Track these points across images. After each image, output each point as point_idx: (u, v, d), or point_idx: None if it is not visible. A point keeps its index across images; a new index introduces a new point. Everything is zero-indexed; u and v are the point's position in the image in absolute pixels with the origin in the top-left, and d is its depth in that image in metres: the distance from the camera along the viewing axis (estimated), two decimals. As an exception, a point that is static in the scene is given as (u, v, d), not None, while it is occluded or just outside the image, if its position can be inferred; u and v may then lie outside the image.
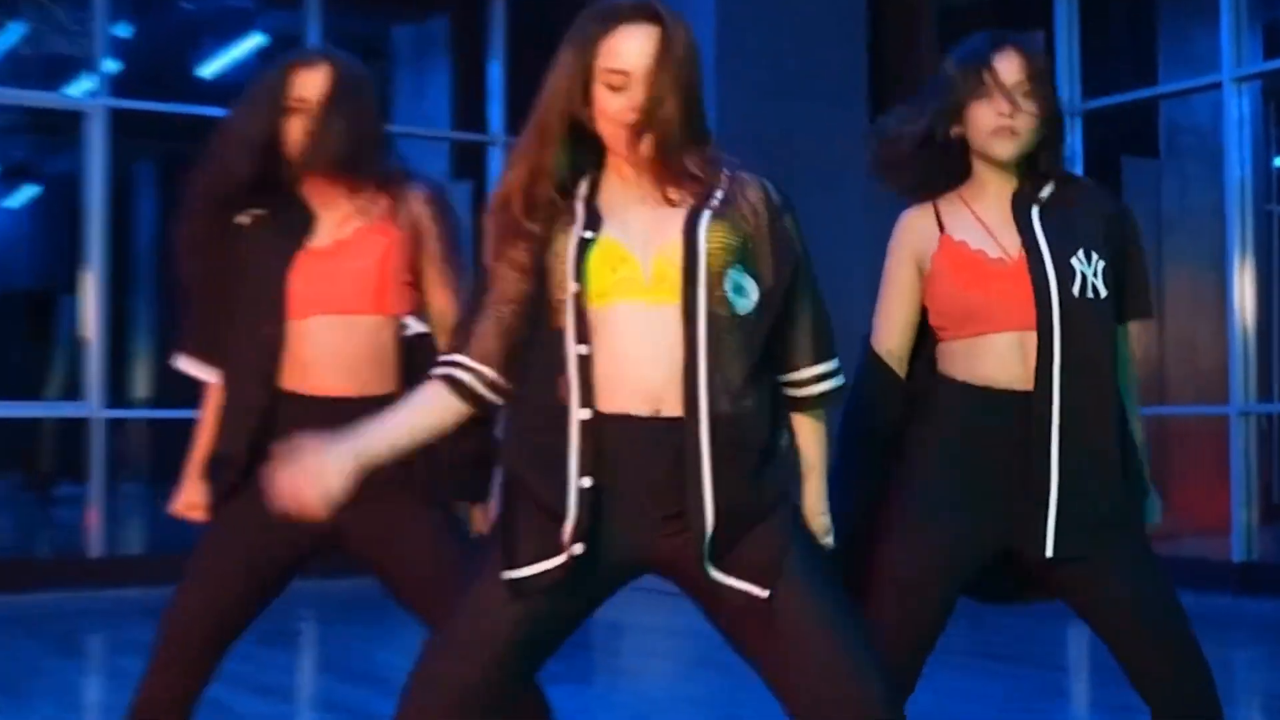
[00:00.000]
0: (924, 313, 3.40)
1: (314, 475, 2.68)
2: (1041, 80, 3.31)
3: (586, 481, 2.60)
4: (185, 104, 11.60)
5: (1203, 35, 10.52)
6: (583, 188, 2.76)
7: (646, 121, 2.67)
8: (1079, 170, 10.57)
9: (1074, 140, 10.59)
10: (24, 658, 7.53)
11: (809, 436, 2.83)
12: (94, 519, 10.14)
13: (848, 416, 3.44)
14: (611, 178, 2.77)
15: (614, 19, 2.72)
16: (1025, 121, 3.29)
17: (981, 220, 3.35)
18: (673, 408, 2.61)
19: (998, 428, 3.28)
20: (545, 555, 2.63)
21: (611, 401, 2.63)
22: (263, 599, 3.43)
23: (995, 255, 3.30)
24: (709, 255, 2.63)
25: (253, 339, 3.33)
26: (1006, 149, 3.30)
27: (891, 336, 3.40)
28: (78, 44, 10.20)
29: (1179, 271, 11.72)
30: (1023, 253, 3.29)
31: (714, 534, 2.59)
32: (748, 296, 2.66)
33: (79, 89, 10.57)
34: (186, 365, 3.48)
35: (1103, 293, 3.26)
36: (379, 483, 3.28)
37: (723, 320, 2.62)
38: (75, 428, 10.78)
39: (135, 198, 18.88)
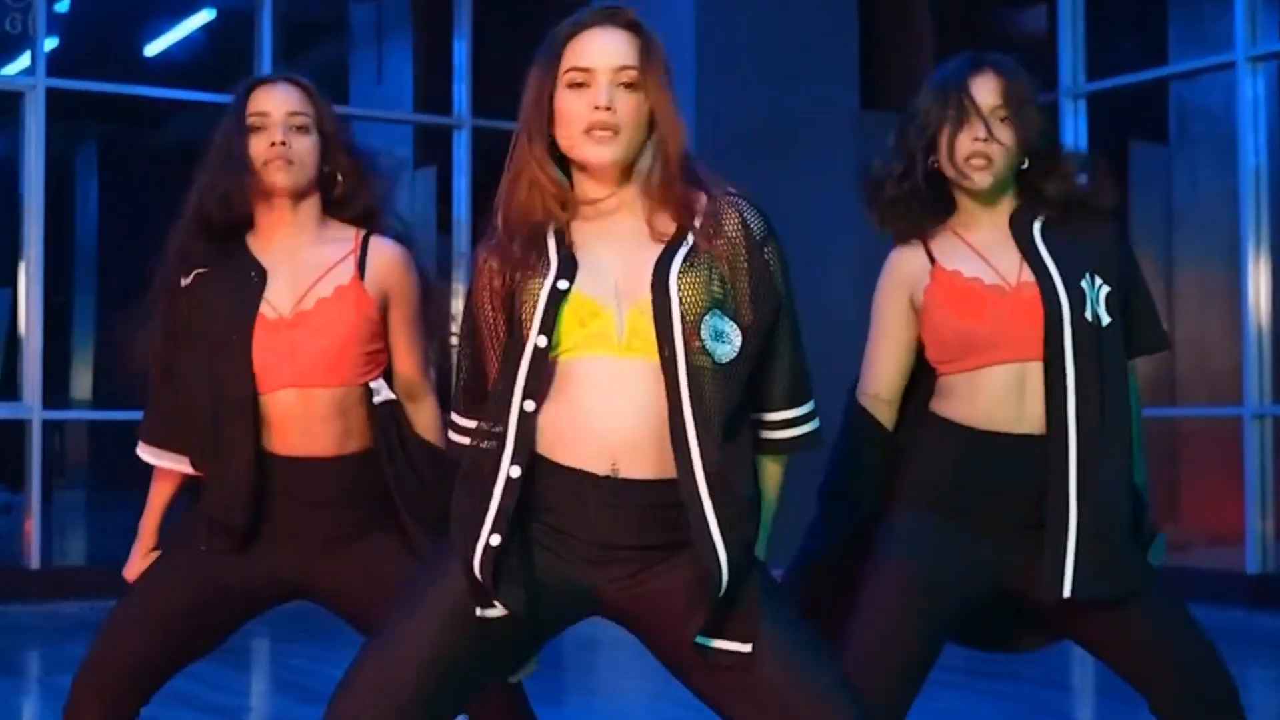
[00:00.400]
0: (919, 352, 3.42)
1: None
2: (1021, 105, 3.32)
3: (495, 539, 2.65)
4: (129, 84, 11.59)
5: (1215, 12, 10.55)
6: (553, 226, 2.79)
7: (613, 125, 2.72)
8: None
9: (1078, 125, 10.62)
10: (-45, 677, 7.51)
11: (767, 480, 2.85)
12: (31, 528, 10.11)
13: (831, 471, 3.48)
14: (584, 212, 2.80)
15: (581, 24, 2.77)
16: (1000, 149, 3.30)
17: (975, 248, 3.36)
18: (632, 468, 2.67)
19: (994, 471, 3.30)
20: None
21: (568, 455, 2.68)
22: (209, 637, 3.48)
23: (992, 282, 3.32)
24: (683, 306, 2.66)
25: (227, 405, 3.36)
26: (981, 178, 3.31)
27: (880, 380, 3.42)
28: (13, 19, 10.16)
29: (1189, 265, 11.75)
30: (1022, 279, 3.31)
31: (723, 597, 2.64)
32: (729, 343, 2.68)
33: (15, 68, 10.54)
34: (148, 456, 3.51)
35: (1104, 319, 3.27)
36: (348, 533, 3.40)
37: (705, 373, 2.65)
38: (11, 430, 10.76)
39: (76, 184, 18.82)
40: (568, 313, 2.69)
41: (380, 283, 3.42)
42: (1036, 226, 3.35)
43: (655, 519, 2.67)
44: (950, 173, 3.33)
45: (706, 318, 2.66)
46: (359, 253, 3.43)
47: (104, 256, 18.64)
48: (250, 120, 3.41)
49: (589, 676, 7.39)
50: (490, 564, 2.64)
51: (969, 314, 3.30)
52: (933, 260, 3.37)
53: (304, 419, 3.36)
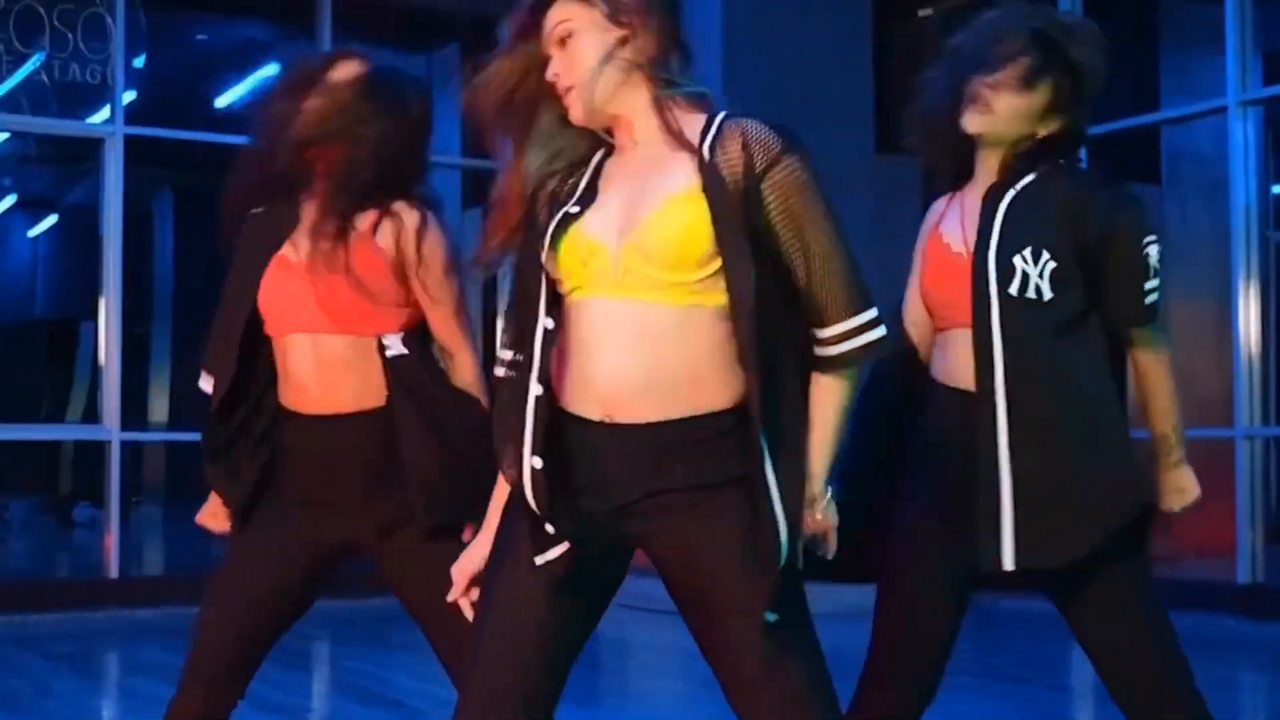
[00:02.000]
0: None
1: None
2: (1042, 66, 3.15)
3: (537, 462, 2.49)
4: (201, 132, 11.63)
5: (1205, 60, 10.52)
6: (591, 164, 2.66)
7: (565, 87, 2.60)
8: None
9: (1078, 166, 10.58)
10: (36, 678, 7.53)
11: (826, 398, 2.59)
12: (111, 540, 10.15)
13: (864, 390, 3.25)
14: (613, 155, 2.67)
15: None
16: (1005, 100, 3.15)
17: (964, 209, 3.25)
18: (628, 413, 2.49)
19: (962, 430, 3.15)
20: (548, 543, 2.55)
21: (569, 399, 2.54)
22: (291, 611, 3.41)
23: (957, 249, 3.21)
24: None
25: (227, 343, 3.32)
26: (973, 122, 3.17)
27: (911, 310, 3.35)
28: (94, 71, 10.22)
29: (1181, 298, 11.70)
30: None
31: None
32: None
33: (96, 117, 10.60)
34: (203, 382, 3.42)
35: (1046, 295, 3.08)
36: (396, 512, 3.28)
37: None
38: (94, 450, 10.79)
39: (152, 225, 18.94)
40: (568, 247, 2.55)
41: (392, 238, 3.29)
42: (1009, 194, 3.16)
43: (667, 462, 2.49)
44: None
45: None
46: (378, 216, 3.30)
47: (179, 291, 18.73)
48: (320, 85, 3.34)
49: (623, 678, 7.37)
50: (542, 486, 2.49)
51: (937, 277, 3.23)
52: (941, 218, 3.29)
53: (312, 372, 3.26)
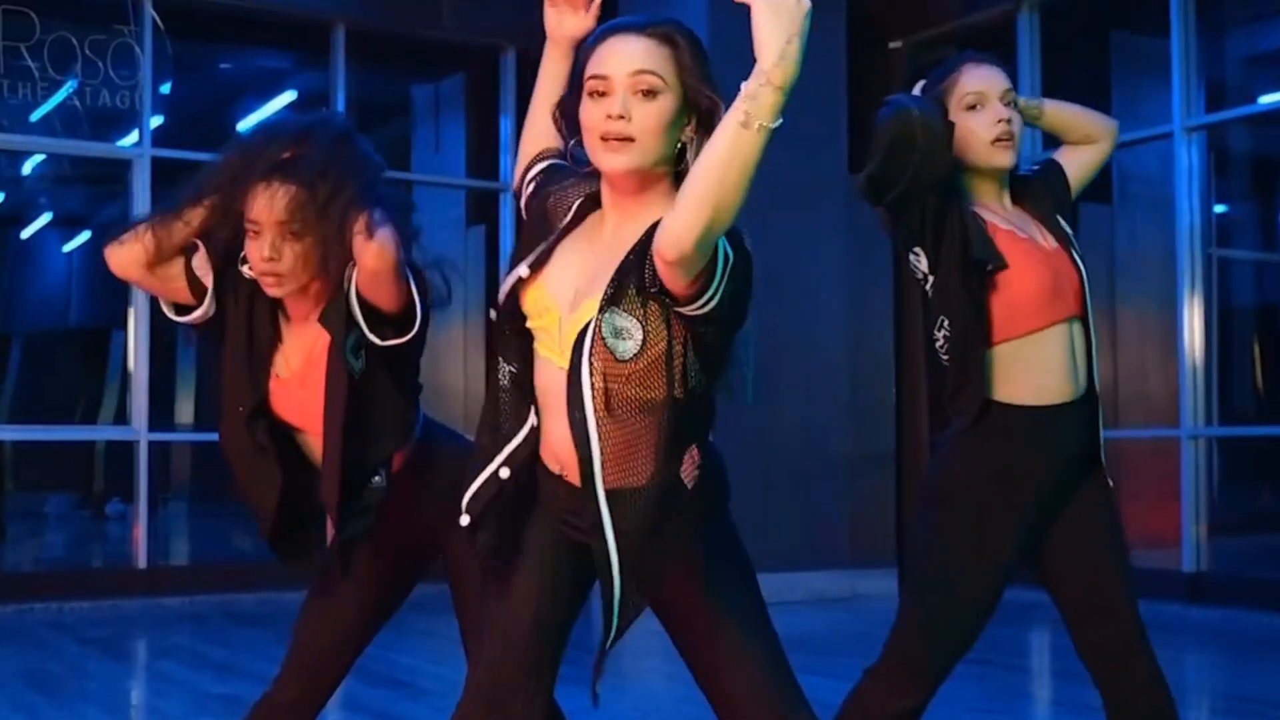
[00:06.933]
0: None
1: None
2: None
3: (505, 472, 2.49)
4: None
5: (1152, 89, 10.52)
6: (568, 216, 2.49)
7: (627, 134, 2.36)
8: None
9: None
10: (71, 661, 7.50)
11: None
12: (139, 533, 10.11)
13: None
14: (601, 210, 2.49)
15: (606, 32, 2.44)
16: (1019, 126, 3.21)
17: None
18: (574, 475, 2.40)
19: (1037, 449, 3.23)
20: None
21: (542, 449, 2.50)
22: (385, 614, 3.40)
23: (1043, 244, 3.29)
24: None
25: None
26: (1008, 157, 3.19)
27: None
28: (123, 97, 10.19)
29: (1129, 308, 11.70)
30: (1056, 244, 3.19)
31: (623, 587, 2.46)
32: (629, 339, 2.30)
33: (126, 140, 10.57)
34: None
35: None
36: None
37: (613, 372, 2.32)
38: (124, 450, 10.75)
39: (178, 240, 18.88)
40: (532, 300, 2.43)
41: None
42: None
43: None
44: (977, 156, 3.22)
45: (607, 315, 2.30)
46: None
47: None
48: (248, 224, 3.08)
49: (619, 660, 7.32)
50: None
51: (1034, 273, 3.21)
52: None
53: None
